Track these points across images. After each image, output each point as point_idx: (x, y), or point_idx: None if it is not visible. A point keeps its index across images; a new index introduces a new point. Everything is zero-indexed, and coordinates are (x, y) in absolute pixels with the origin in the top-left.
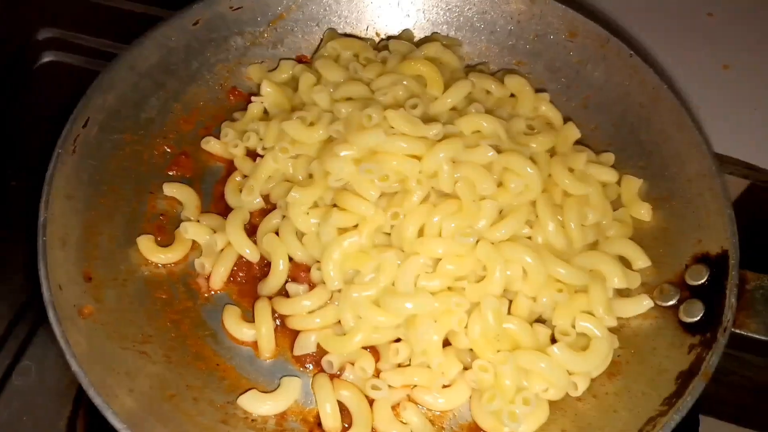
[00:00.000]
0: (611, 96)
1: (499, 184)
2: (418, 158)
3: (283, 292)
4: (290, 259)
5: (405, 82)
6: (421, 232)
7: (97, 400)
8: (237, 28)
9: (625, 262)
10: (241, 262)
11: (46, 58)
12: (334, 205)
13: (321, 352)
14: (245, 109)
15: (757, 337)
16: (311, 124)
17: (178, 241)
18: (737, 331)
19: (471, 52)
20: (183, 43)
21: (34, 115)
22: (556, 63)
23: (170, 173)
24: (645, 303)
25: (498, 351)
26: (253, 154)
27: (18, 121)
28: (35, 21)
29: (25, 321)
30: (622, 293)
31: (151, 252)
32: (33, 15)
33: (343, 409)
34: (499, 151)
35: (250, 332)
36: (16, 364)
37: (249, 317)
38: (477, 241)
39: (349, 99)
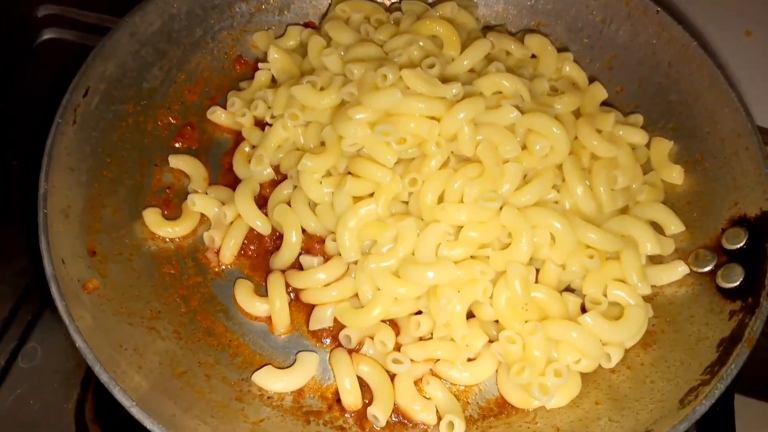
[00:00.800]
0: (637, 56)
1: (523, 147)
2: (437, 120)
3: (297, 266)
4: (303, 230)
5: (421, 43)
6: (440, 199)
7: (104, 377)
8: None
9: (657, 228)
10: (252, 235)
11: (46, 35)
12: (349, 173)
13: (338, 326)
14: (252, 78)
15: None
16: (322, 88)
17: (185, 214)
18: None
19: (487, 14)
20: (185, 9)
21: (34, 92)
22: (578, 23)
23: (175, 145)
24: (680, 269)
25: (526, 322)
26: (261, 124)
27: (18, 99)
28: None
29: (30, 303)
30: (654, 260)
31: (157, 225)
32: None
33: (363, 385)
34: (522, 112)
35: (264, 307)
36: (22, 347)
37: (261, 292)
38: (501, 207)
39: (361, 61)
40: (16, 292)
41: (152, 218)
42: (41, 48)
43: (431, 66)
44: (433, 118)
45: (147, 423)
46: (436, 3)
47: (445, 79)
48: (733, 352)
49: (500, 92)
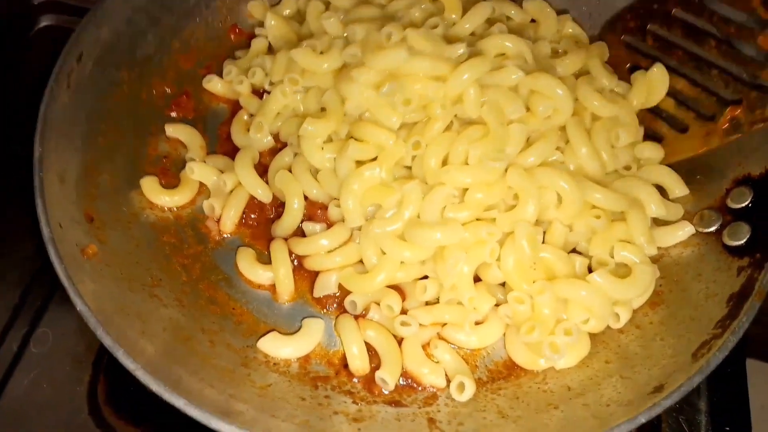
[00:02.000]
0: None
1: (527, 109)
2: (443, 80)
3: (299, 233)
4: (305, 198)
5: (423, 5)
6: (444, 162)
7: (107, 340)
8: None
9: (662, 192)
10: (252, 204)
11: (43, 22)
12: (351, 138)
13: (343, 292)
14: (248, 48)
15: None
16: (322, 53)
17: (183, 183)
18: None
19: None
20: None
21: (32, 80)
22: None
23: (171, 114)
24: (686, 230)
25: (534, 282)
26: (258, 94)
27: (16, 87)
28: None
29: (40, 288)
30: (659, 222)
31: (155, 194)
32: None
33: (370, 350)
34: (525, 73)
35: (267, 275)
36: (33, 332)
37: (264, 259)
38: (506, 169)
39: (363, 22)
40: (25, 277)
41: (150, 186)
42: (38, 35)
43: (434, 26)
44: (438, 78)
45: (153, 386)
46: None
47: (448, 42)
48: (744, 305)
49: (503, 54)
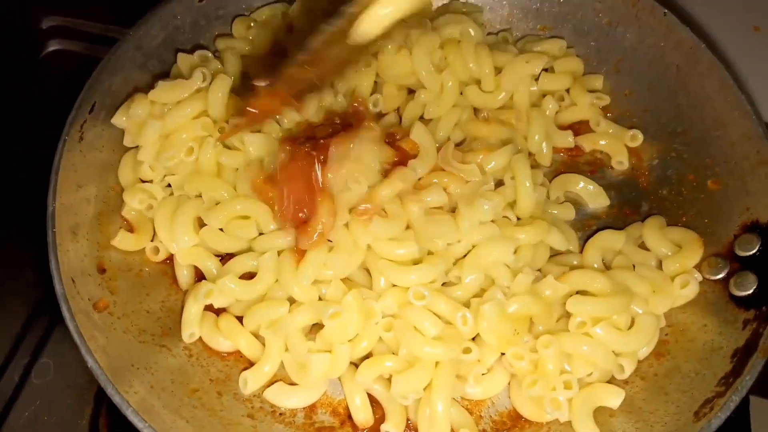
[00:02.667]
0: (645, 59)
1: None
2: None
3: None
4: None
5: None
6: None
7: (116, 398)
8: (245, 4)
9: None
10: None
11: (52, 47)
12: None
13: None
14: None
15: None
16: None
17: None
18: None
19: (492, 18)
20: (189, 20)
21: (41, 105)
22: (584, 26)
23: None
24: (692, 287)
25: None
26: None
27: (25, 111)
28: (39, 10)
29: (42, 318)
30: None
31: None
32: (37, 3)
33: (374, 401)
34: None
35: None
36: (35, 363)
37: None
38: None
39: None
40: (28, 307)
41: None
42: (46, 59)
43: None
44: None
45: None
46: (440, 13)
47: None
48: (748, 362)
49: None
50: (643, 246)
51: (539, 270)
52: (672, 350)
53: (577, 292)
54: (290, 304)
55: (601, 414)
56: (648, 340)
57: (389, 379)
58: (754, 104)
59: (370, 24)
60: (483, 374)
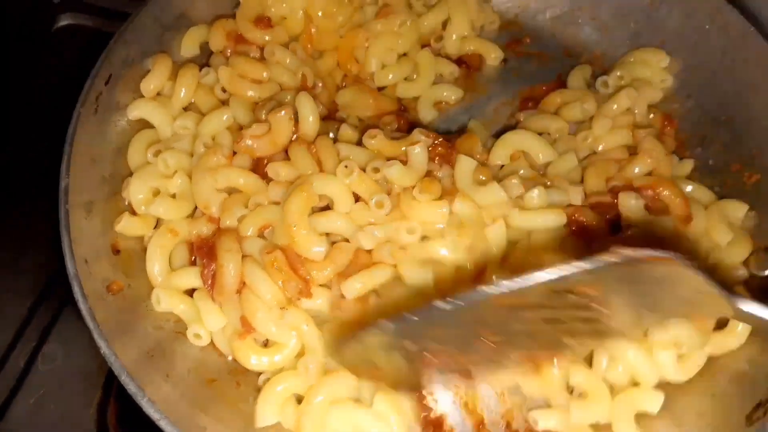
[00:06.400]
0: (689, 41)
1: None
2: None
3: None
4: None
5: None
6: None
7: (131, 387)
8: None
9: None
10: None
11: (63, 21)
12: None
13: None
14: None
15: None
16: None
17: None
18: None
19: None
20: None
21: (52, 78)
22: (624, 7)
23: None
24: (739, 273)
25: None
26: None
27: (36, 86)
28: None
29: (51, 300)
30: None
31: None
32: None
33: None
34: None
35: None
36: (41, 348)
37: None
38: None
39: None
40: (36, 288)
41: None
42: (58, 33)
43: None
44: None
45: None
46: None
47: None
48: None
49: None
50: None
51: None
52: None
53: None
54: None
55: (644, 417)
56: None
57: None
58: None
59: None
60: None
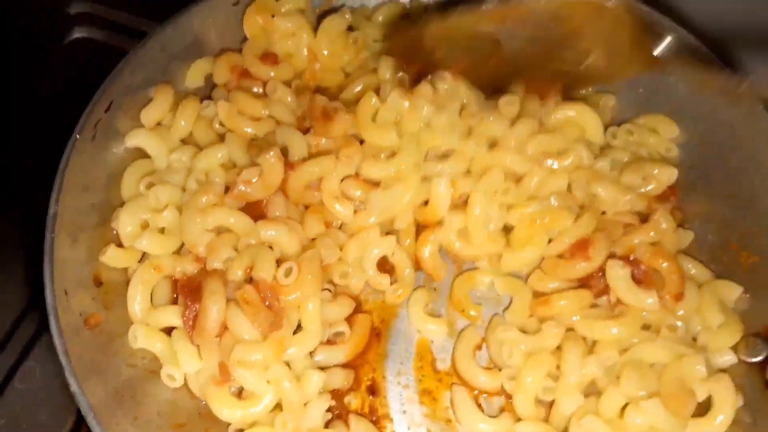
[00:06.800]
0: (696, 112)
1: None
2: None
3: None
4: None
5: None
6: None
7: (96, 430)
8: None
9: None
10: None
11: (77, 33)
12: None
13: None
14: None
15: None
16: None
17: None
18: None
19: None
20: (222, 21)
21: (61, 90)
22: None
23: None
24: (726, 358)
25: None
26: None
27: (44, 97)
28: None
29: (31, 319)
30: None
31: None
32: None
33: None
34: None
35: None
36: (20, 365)
37: None
38: None
39: None
40: (18, 306)
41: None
42: (71, 46)
43: None
44: None
45: None
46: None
47: None
48: None
49: None
50: None
51: None
52: None
53: None
54: None
55: None
56: None
57: None
58: None
59: None
60: None
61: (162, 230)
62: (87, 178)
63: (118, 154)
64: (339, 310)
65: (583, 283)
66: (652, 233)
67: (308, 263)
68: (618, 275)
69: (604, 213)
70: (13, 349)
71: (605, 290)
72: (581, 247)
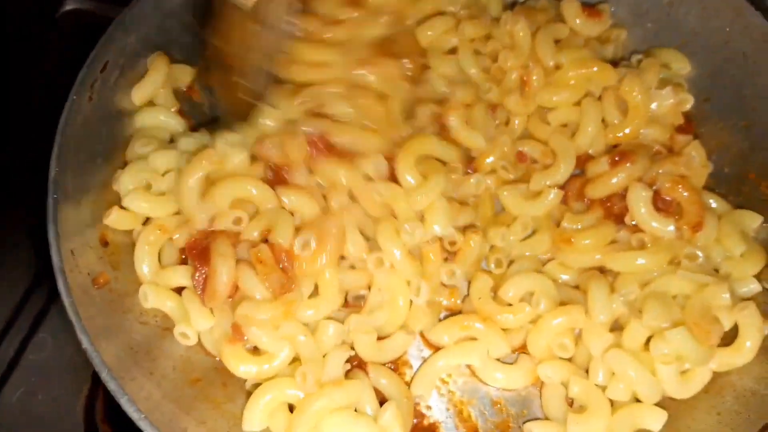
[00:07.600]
0: (708, 43)
1: None
2: None
3: None
4: None
5: None
6: None
7: (111, 385)
8: None
9: None
10: None
11: (69, 5)
12: None
13: None
14: None
15: None
16: None
17: None
18: None
19: None
20: None
21: (55, 64)
22: (643, 5)
23: None
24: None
25: None
26: None
27: (39, 70)
28: None
29: (42, 289)
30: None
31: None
32: None
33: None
34: None
35: None
36: (32, 337)
37: None
38: None
39: None
40: (27, 277)
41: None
42: (63, 18)
43: None
44: None
45: None
46: None
47: None
48: None
49: None
50: None
51: None
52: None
53: None
54: None
55: None
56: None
57: None
58: None
59: None
60: None
61: (163, 193)
62: (86, 139)
63: (117, 114)
64: (357, 278)
65: (606, 204)
66: (682, 166)
67: (327, 236)
68: (639, 197)
69: None
70: (23, 322)
71: (624, 212)
72: (626, 155)
